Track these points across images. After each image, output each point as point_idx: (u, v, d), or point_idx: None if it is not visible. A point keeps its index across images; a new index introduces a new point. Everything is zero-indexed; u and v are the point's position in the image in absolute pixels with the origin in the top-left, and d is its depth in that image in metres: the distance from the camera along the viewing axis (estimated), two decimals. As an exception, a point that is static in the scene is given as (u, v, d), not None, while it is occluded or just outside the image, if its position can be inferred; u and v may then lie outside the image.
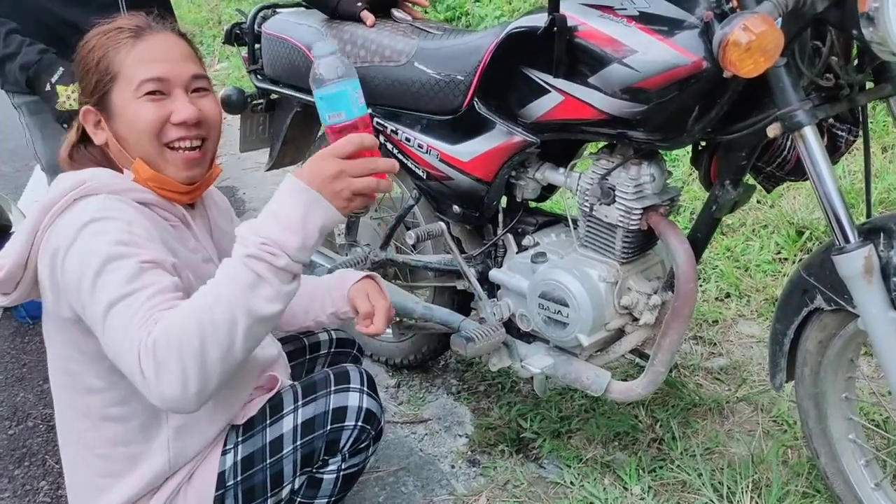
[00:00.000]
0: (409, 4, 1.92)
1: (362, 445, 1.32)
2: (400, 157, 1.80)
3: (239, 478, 1.24)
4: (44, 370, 1.98)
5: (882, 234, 1.19)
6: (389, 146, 1.82)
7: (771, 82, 1.18)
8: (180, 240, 1.21)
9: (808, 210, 2.56)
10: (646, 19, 1.32)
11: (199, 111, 1.18)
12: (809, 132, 1.17)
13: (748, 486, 1.61)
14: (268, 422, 1.27)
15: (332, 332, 1.68)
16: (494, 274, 1.73)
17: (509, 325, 1.75)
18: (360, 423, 1.29)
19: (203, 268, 1.22)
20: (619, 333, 1.64)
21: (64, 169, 1.21)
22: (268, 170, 2.32)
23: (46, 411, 2.18)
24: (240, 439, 1.26)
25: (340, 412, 1.28)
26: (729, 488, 1.63)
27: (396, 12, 1.90)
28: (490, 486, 1.78)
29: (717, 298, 2.37)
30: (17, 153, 4.82)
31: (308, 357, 1.62)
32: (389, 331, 2.21)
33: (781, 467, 1.69)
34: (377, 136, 1.81)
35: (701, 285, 2.44)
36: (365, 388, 1.32)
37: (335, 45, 1.03)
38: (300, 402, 1.29)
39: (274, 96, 2.14)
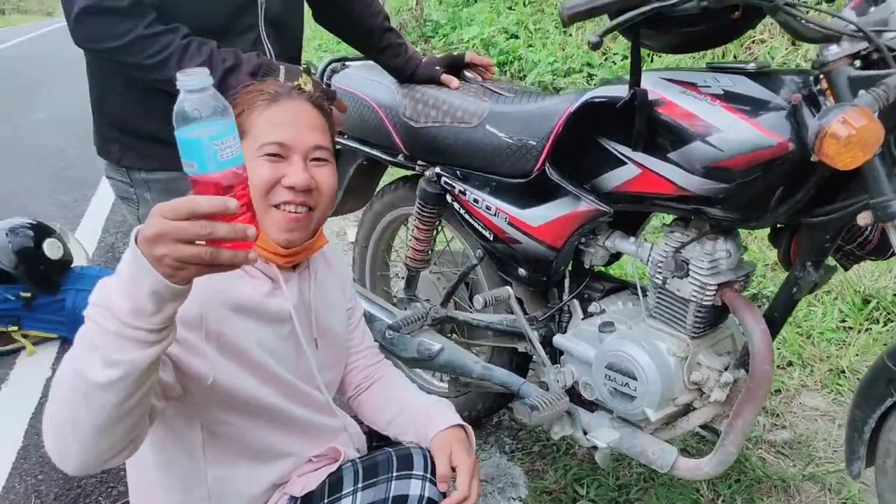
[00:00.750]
0: (479, 67, 1.94)
1: None
2: (467, 217, 1.80)
3: None
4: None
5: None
6: (457, 206, 1.82)
7: (864, 172, 1.16)
8: (256, 301, 1.20)
9: (873, 278, 2.49)
10: (730, 98, 1.31)
11: (312, 179, 1.19)
12: (903, 223, 1.14)
13: (818, 575, 1.55)
14: (326, 500, 1.23)
15: (427, 483, 1.57)
16: (559, 340, 1.71)
17: (571, 392, 1.72)
18: None
19: (265, 318, 1.19)
20: (687, 408, 1.60)
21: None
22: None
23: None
24: None
25: (401, 500, 1.22)
26: (798, 575, 1.57)
27: (467, 72, 1.92)
28: (545, 555, 1.75)
29: (779, 367, 2.31)
30: (77, 182, 4.97)
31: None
32: (445, 385, 2.20)
33: (852, 555, 1.62)
34: (444, 196, 1.84)
35: (762, 351, 2.38)
36: (428, 475, 1.25)
37: (208, 77, 0.82)
38: (360, 485, 1.24)
39: (339, 146, 2.17)
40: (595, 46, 1.19)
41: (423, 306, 2.01)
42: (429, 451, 1.30)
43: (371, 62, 2.03)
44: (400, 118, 1.87)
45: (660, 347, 1.53)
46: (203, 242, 0.80)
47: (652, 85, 1.39)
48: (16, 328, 2.79)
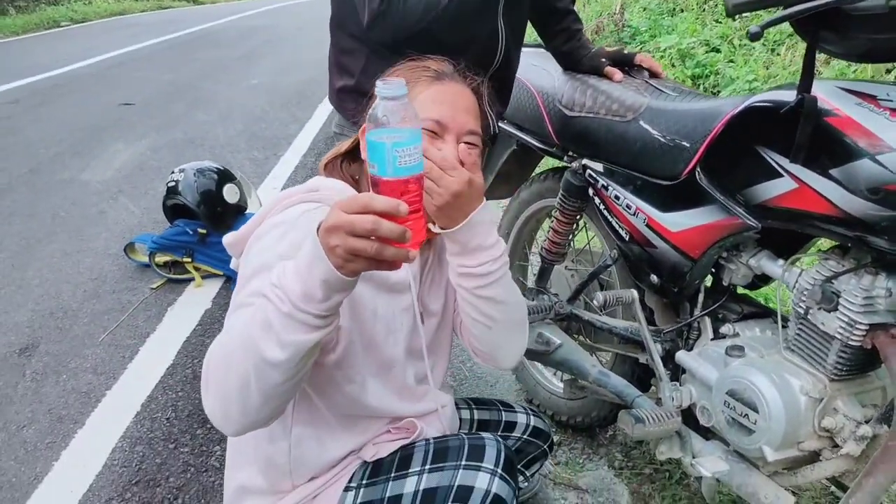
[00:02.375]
0: (644, 68, 1.85)
1: None
2: (606, 213, 1.74)
3: None
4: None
5: None
6: (597, 201, 1.76)
7: None
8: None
9: None
10: (914, 115, 1.15)
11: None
12: None
13: None
14: (393, 474, 1.23)
15: (532, 416, 1.59)
16: (682, 357, 1.60)
17: (688, 415, 1.61)
18: None
19: (381, 289, 1.21)
20: (814, 456, 1.44)
21: (308, 174, 1.30)
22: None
23: (236, 382, 2.37)
24: (363, 481, 1.24)
25: (465, 491, 1.18)
26: None
27: (634, 70, 1.85)
28: (633, 580, 1.65)
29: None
30: (271, 142, 5.38)
31: (500, 433, 1.55)
32: (561, 385, 2.15)
33: None
34: (587, 189, 1.78)
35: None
36: (499, 470, 1.20)
37: (403, 87, 0.87)
38: (427, 466, 1.22)
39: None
40: (754, 37, 1.09)
41: (549, 299, 1.97)
42: (504, 446, 1.27)
43: (541, 50, 2.01)
44: (555, 105, 1.84)
45: (791, 383, 1.38)
46: (372, 238, 0.85)
47: (824, 93, 1.26)
48: (189, 260, 3.08)
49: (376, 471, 1.25)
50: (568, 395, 2.07)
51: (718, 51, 5.31)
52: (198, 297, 3.02)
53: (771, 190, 1.36)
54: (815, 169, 1.26)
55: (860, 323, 1.29)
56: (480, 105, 1.26)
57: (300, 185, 1.23)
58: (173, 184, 3.13)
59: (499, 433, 1.53)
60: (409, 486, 1.21)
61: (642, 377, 1.85)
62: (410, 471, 1.23)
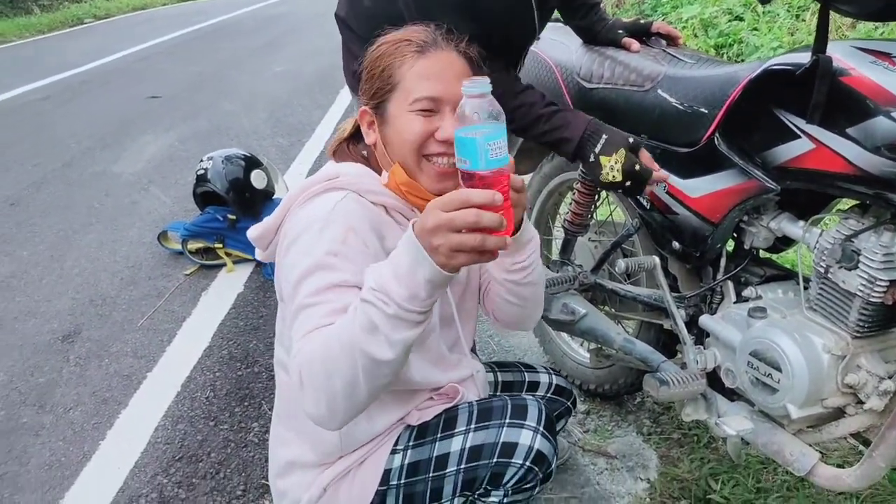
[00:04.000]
0: (666, 37, 1.86)
1: (528, 485, 1.27)
2: (627, 183, 1.76)
3: (402, 481, 1.28)
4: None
5: None
6: (618, 171, 1.78)
7: None
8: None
9: None
10: (929, 71, 1.16)
11: None
12: None
13: None
14: (439, 435, 1.28)
15: (554, 376, 1.64)
16: (705, 320, 1.63)
17: (713, 378, 1.63)
18: (527, 464, 1.24)
19: None
20: (839, 413, 1.46)
21: (328, 159, 1.34)
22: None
23: (271, 361, 2.43)
24: (410, 443, 1.29)
25: (510, 447, 1.25)
26: None
27: (652, 39, 1.86)
28: (662, 540, 1.69)
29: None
30: (296, 129, 5.44)
31: (523, 394, 1.59)
32: (587, 355, 2.18)
33: None
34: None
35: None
36: (541, 428, 1.27)
37: (488, 85, 0.92)
38: (473, 426, 1.28)
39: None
40: (765, 1, 1.10)
41: (573, 270, 2.00)
42: (545, 405, 1.32)
43: (558, 24, 2.03)
44: (573, 78, 1.86)
45: (813, 341, 1.40)
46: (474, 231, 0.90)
47: (840, 53, 1.27)
48: (220, 245, 3.16)
49: (422, 433, 1.30)
50: (594, 363, 2.10)
51: (742, 19, 5.25)
52: (230, 281, 3.10)
53: (789, 151, 1.37)
54: (832, 129, 1.28)
55: (881, 279, 1.30)
56: (471, 66, 1.24)
57: (318, 174, 1.26)
58: (202, 172, 3.20)
59: (523, 393, 1.57)
60: (456, 444, 1.27)
61: (667, 343, 1.87)
62: (456, 430, 1.28)
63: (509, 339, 2.58)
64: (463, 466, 1.25)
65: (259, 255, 1.32)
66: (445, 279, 0.95)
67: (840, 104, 1.25)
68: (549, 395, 1.61)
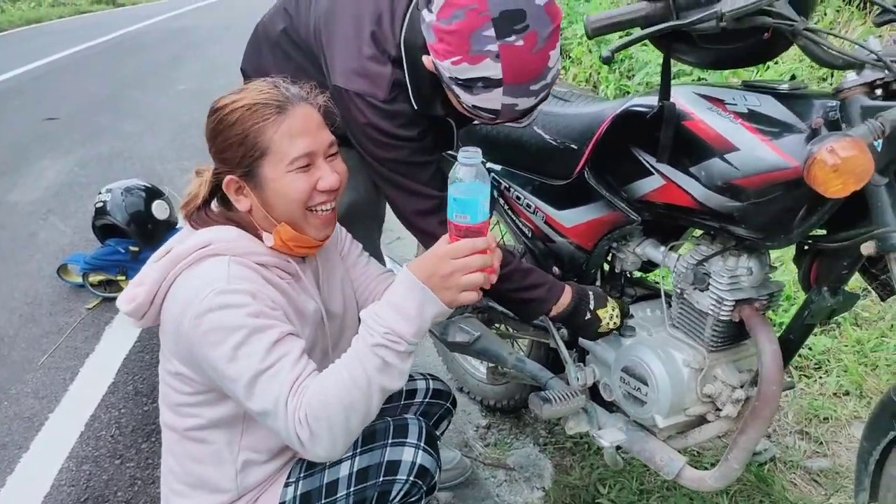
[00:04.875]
0: None
1: (413, 499, 1.36)
2: (510, 213, 1.88)
3: None
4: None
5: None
6: (502, 201, 1.90)
7: (869, 201, 1.15)
8: (290, 293, 1.32)
9: (958, 313, 2.35)
10: (753, 118, 1.31)
11: (338, 175, 1.29)
12: (905, 256, 1.12)
13: None
14: (327, 464, 1.35)
15: (430, 380, 1.74)
16: (583, 340, 1.76)
17: (597, 392, 1.77)
18: (411, 478, 1.33)
19: (304, 318, 1.33)
20: (701, 420, 1.61)
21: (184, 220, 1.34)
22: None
23: (178, 394, 2.45)
24: (301, 475, 1.35)
25: (394, 465, 1.33)
26: None
27: None
28: (556, 545, 1.81)
29: (834, 394, 2.23)
30: (201, 151, 5.33)
31: (402, 403, 1.68)
32: (484, 371, 2.29)
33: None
34: (493, 192, 1.93)
35: (820, 377, 2.31)
36: (421, 444, 1.36)
37: (479, 155, 1.09)
38: (358, 450, 1.35)
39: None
40: (606, 61, 1.23)
41: (467, 294, 2.10)
42: (425, 423, 1.42)
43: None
44: (458, 114, 1.96)
45: (674, 356, 1.55)
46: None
47: (683, 98, 1.41)
48: (123, 278, 3.13)
49: (312, 464, 1.36)
50: (492, 381, 2.21)
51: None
52: (135, 313, 3.06)
53: (645, 186, 1.51)
54: (678, 167, 1.42)
55: (727, 300, 1.46)
56: (323, 115, 1.31)
57: (186, 244, 1.25)
58: (101, 204, 3.16)
59: (402, 402, 1.67)
60: (344, 469, 1.35)
61: (556, 360, 1.99)
62: (344, 457, 1.34)
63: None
64: (352, 489, 1.33)
65: (133, 324, 1.30)
66: (447, 313, 1.15)
67: (684, 146, 1.40)
68: (427, 399, 1.71)
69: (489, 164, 1.92)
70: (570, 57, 5.84)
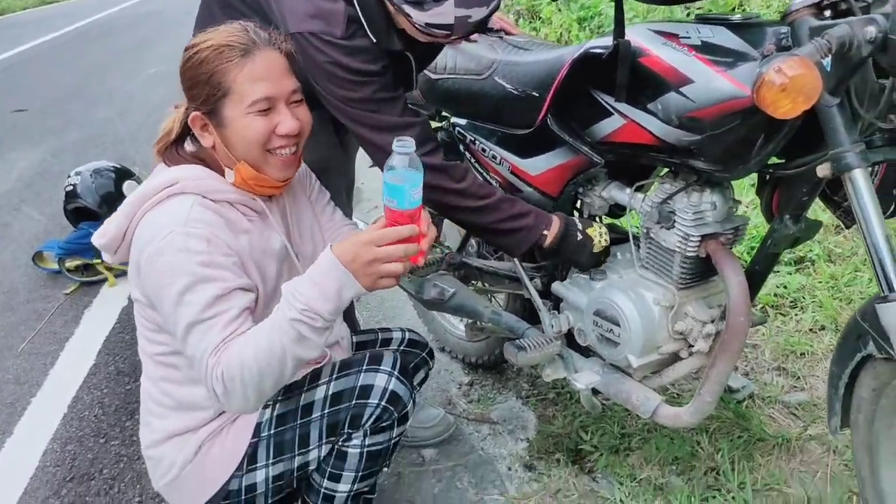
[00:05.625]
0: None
1: (384, 424, 1.40)
2: (477, 166, 1.87)
3: (272, 431, 1.39)
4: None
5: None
6: (468, 155, 1.89)
7: (822, 122, 1.15)
8: (254, 232, 1.36)
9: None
10: (707, 50, 1.31)
11: (299, 122, 1.32)
12: (859, 175, 1.13)
13: (799, 529, 1.56)
14: (304, 387, 1.41)
15: (407, 332, 1.78)
16: (556, 287, 1.77)
17: (572, 340, 1.78)
18: (383, 403, 1.38)
19: (268, 257, 1.38)
20: (675, 358, 1.63)
21: (156, 160, 1.39)
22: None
23: (160, 371, 2.44)
24: (279, 398, 1.40)
25: (366, 389, 1.38)
26: (778, 528, 1.58)
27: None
28: (541, 493, 1.83)
29: (810, 329, 2.26)
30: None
31: (378, 349, 1.73)
32: (463, 329, 2.30)
33: (841, 514, 1.62)
34: (460, 147, 1.92)
35: (796, 314, 2.33)
36: (395, 373, 1.40)
37: (413, 145, 1.13)
38: (334, 376, 1.41)
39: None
40: (555, -3, 1.22)
41: (441, 251, 2.10)
42: (399, 355, 1.46)
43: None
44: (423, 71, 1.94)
45: (645, 296, 1.56)
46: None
47: (637, 36, 1.40)
48: (99, 261, 3.10)
49: (290, 388, 1.41)
50: (471, 337, 2.22)
51: (601, -8, 5.47)
52: (113, 295, 3.05)
53: (606, 127, 1.51)
54: (637, 105, 1.42)
55: (693, 235, 1.47)
56: (290, 61, 1.34)
57: (155, 180, 1.31)
58: (71, 188, 3.13)
59: (377, 348, 1.71)
60: (320, 392, 1.40)
61: (533, 311, 2.01)
62: (320, 381, 1.42)
63: (394, 320, 2.67)
64: (326, 411, 1.38)
65: (108, 258, 1.38)
66: (365, 294, 1.22)
67: (640, 83, 1.39)
68: (402, 347, 1.76)
69: (454, 119, 1.91)
70: (540, 17, 5.79)
